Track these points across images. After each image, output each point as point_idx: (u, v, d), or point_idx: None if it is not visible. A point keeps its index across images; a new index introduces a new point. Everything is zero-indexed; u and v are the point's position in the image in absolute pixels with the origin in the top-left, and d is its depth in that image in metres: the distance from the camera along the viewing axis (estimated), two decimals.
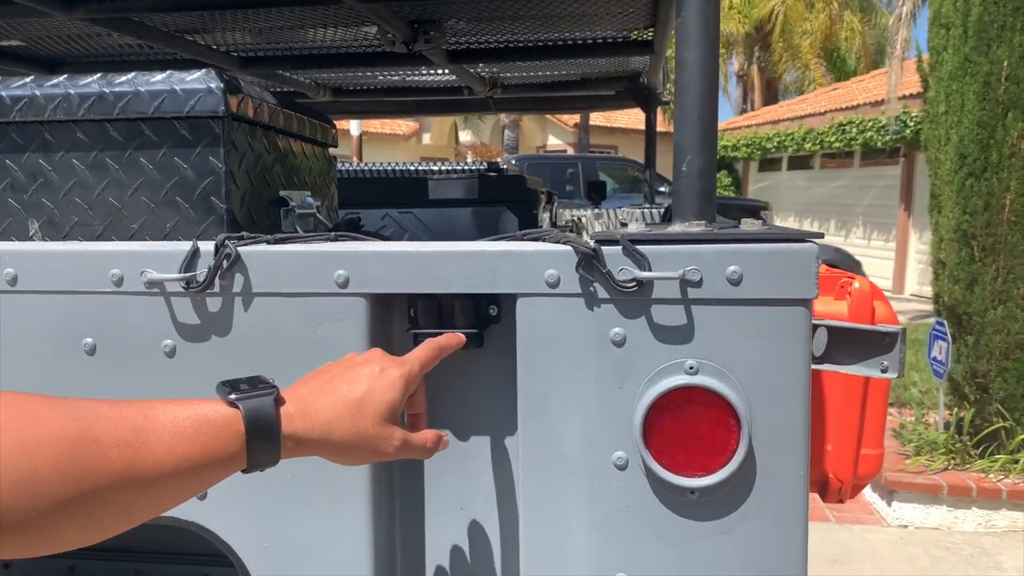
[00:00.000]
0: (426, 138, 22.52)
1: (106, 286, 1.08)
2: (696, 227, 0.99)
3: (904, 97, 10.79)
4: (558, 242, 1.00)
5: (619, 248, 0.96)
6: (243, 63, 2.69)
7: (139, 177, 1.18)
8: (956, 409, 4.59)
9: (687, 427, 0.97)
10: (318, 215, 1.41)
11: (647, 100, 3.57)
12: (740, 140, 16.82)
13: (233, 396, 0.74)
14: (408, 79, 3.23)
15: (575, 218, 3.50)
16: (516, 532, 1.08)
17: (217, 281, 1.05)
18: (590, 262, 0.97)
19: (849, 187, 13.65)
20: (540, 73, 3.32)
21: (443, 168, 3.30)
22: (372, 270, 1.02)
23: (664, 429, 0.97)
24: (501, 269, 1.00)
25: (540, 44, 2.59)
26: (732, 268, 0.95)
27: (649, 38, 2.50)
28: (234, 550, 1.10)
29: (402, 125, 20.98)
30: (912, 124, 10.78)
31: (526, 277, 0.99)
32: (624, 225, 1.11)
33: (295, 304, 1.04)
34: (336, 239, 1.10)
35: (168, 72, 1.16)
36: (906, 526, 4.18)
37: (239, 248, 1.04)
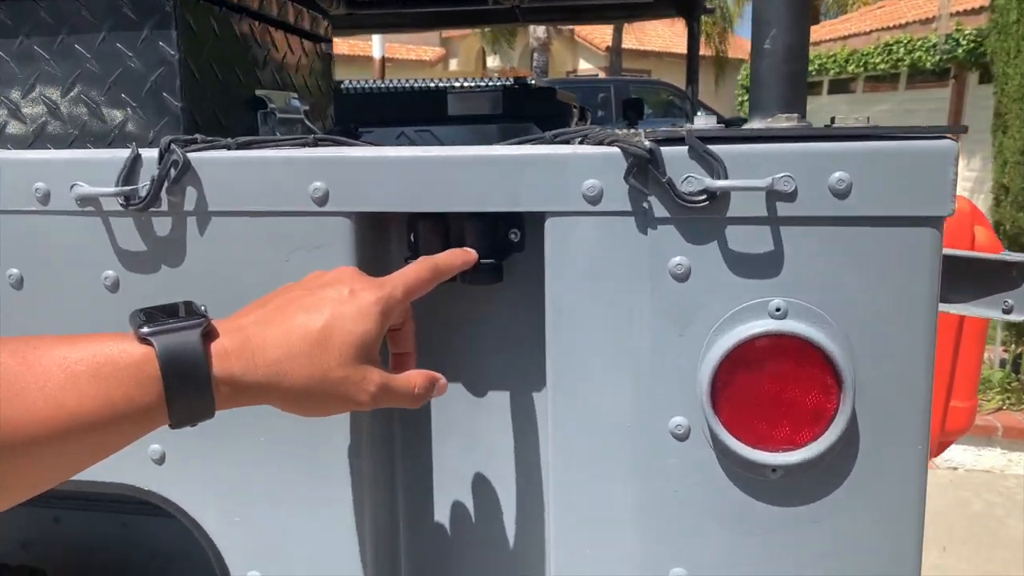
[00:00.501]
0: (453, 64, 21.99)
1: (30, 204, 0.86)
2: (785, 122, 0.75)
3: (957, 13, 10.15)
4: (600, 143, 0.76)
5: (684, 149, 0.72)
6: None
7: (75, 69, 0.95)
8: (1013, 346, 4.31)
9: (770, 387, 0.74)
10: (307, 121, 1.17)
11: (689, 8, 3.25)
12: None
13: (146, 330, 0.54)
14: None
15: None
16: (543, 512, 0.87)
17: (164, 196, 0.83)
18: (644, 169, 0.73)
19: (893, 111, 13.03)
20: None
21: (465, 84, 3.03)
22: (359, 182, 0.79)
23: (739, 389, 0.74)
24: (525, 180, 0.76)
25: None
26: (838, 175, 0.70)
27: None
28: (200, 525, 0.91)
29: (428, 51, 20.46)
30: (965, 43, 10.16)
31: (558, 190, 0.76)
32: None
33: (262, 226, 0.82)
34: (316, 144, 0.86)
35: None
36: (956, 468, 3.95)
37: (189, 154, 0.81)
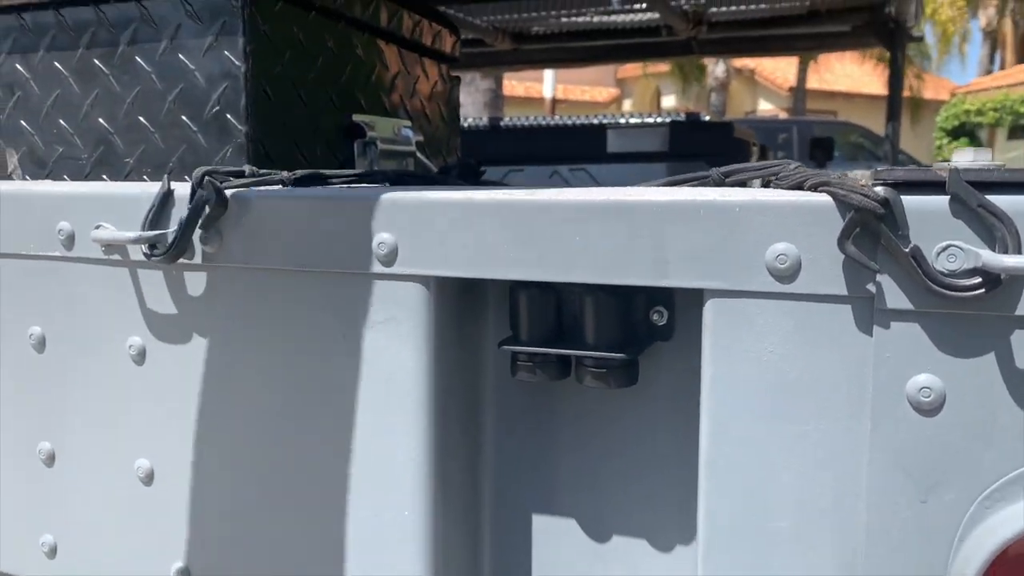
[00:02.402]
0: (627, 104, 21.85)
1: (53, 248, 0.70)
2: None
3: None
4: (799, 187, 0.49)
5: (943, 200, 0.44)
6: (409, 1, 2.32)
7: (135, 85, 0.79)
8: None
9: None
10: (420, 155, 0.97)
11: (893, 36, 2.87)
12: (987, 103, 14.85)
13: None
14: (597, 20, 2.76)
15: None
16: None
17: (197, 246, 0.63)
18: (873, 230, 0.45)
19: None
20: (756, 6, 2.73)
21: (630, 120, 2.80)
22: (439, 237, 0.56)
23: None
24: (676, 240, 0.50)
25: None
26: None
27: None
28: None
29: (602, 91, 20.44)
30: None
31: (728, 257, 0.49)
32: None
33: (316, 288, 0.61)
34: (397, 182, 0.65)
35: None
36: None
37: (230, 191, 0.62)
